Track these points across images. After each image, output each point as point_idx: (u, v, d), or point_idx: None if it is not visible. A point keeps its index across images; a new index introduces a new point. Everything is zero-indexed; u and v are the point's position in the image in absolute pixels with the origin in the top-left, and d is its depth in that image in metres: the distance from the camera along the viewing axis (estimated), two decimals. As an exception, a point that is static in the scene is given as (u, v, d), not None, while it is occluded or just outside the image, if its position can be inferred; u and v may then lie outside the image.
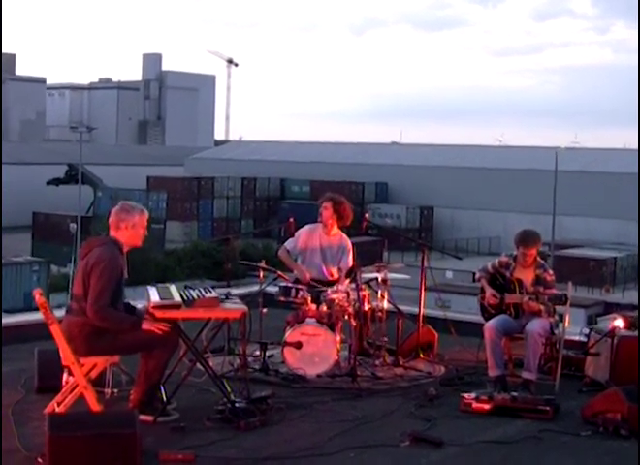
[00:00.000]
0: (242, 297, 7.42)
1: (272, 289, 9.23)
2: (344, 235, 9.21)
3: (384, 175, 71.29)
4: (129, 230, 6.66)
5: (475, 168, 68.32)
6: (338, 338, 8.40)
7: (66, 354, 6.43)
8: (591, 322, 17.98)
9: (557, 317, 8.20)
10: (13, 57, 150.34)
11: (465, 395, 7.29)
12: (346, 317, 8.50)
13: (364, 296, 8.55)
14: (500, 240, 58.07)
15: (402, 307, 9.33)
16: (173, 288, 6.97)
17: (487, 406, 7.15)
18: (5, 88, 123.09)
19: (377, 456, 6.21)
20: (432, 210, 67.77)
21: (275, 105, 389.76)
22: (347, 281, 8.72)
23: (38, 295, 6.45)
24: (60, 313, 6.72)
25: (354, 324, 8.42)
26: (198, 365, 6.97)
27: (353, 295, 8.41)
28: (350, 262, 9.00)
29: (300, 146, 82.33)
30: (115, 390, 7.24)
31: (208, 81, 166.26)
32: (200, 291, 6.86)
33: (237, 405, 6.75)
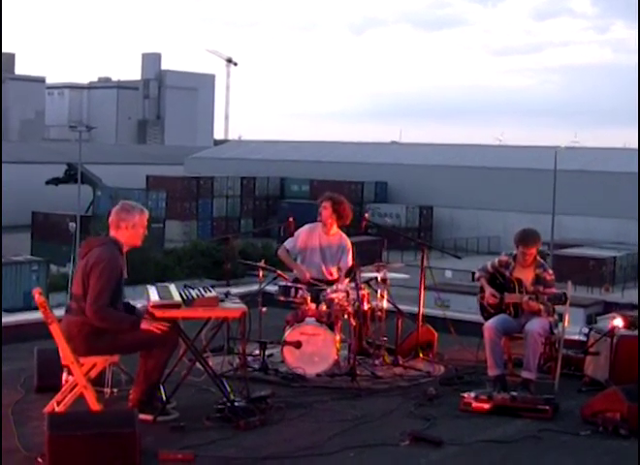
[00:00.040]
0: (242, 297, 7.43)
1: (272, 288, 9.23)
2: (344, 235, 9.21)
3: (384, 175, 71.29)
4: (129, 229, 6.66)
5: (475, 167, 68.34)
6: (338, 337, 8.40)
7: (65, 353, 6.43)
8: (590, 321, 17.98)
9: (556, 316, 8.20)
10: (12, 56, 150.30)
11: (465, 395, 7.29)
12: (346, 316, 8.51)
13: (363, 296, 8.55)
14: (500, 240, 58.09)
15: (402, 306, 9.32)
16: (172, 287, 6.98)
17: (486, 405, 7.15)
18: (4, 88, 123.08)
19: (377, 456, 6.21)
20: (431, 210, 67.77)
21: (275, 104, 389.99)
22: (347, 280, 8.72)
23: (37, 295, 6.45)
24: (60, 312, 6.71)
25: (353, 323, 8.42)
26: (197, 365, 6.97)
27: (352, 295, 8.42)
28: (350, 261, 9.01)
29: (299, 146, 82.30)
30: (115, 390, 7.24)
31: (208, 81, 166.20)
32: (199, 290, 6.87)
33: (236, 404, 6.75)
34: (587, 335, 8.61)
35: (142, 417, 6.24)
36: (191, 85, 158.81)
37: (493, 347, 7.93)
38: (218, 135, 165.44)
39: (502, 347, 8.11)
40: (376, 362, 8.60)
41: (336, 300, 8.45)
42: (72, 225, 45.58)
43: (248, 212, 70.90)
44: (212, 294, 6.80)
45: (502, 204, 63.94)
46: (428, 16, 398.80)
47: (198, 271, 45.24)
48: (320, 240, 9.08)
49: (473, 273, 8.81)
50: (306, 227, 9.23)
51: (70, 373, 6.56)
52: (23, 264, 39.85)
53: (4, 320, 9.57)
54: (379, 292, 8.87)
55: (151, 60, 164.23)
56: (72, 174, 61.15)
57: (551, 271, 8.25)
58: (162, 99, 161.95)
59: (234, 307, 6.83)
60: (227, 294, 6.97)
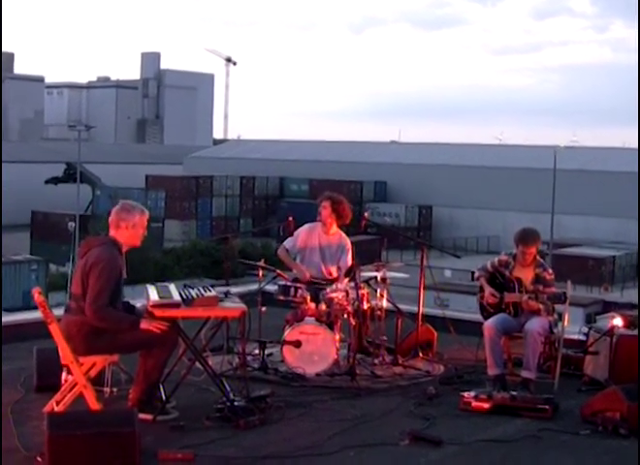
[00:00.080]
0: (242, 296, 7.43)
1: (272, 287, 9.23)
2: (343, 234, 9.21)
3: (383, 174, 71.28)
4: (129, 229, 6.66)
5: (474, 166, 68.34)
6: (338, 337, 8.41)
7: (65, 352, 6.43)
8: (589, 320, 18.00)
9: (556, 316, 8.20)
10: (11, 56, 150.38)
11: (465, 394, 7.29)
12: (345, 316, 8.51)
13: (363, 295, 8.55)
14: (499, 239, 58.07)
15: (402, 306, 9.32)
16: (172, 287, 6.98)
17: (486, 405, 7.15)
18: (3, 87, 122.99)
19: (376, 455, 6.21)
20: (430, 209, 67.75)
21: (274, 103, 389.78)
22: (346, 280, 8.72)
23: (37, 294, 6.44)
24: (59, 312, 6.71)
25: (353, 322, 8.42)
26: (197, 364, 6.97)
27: (352, 294, 8.42)
28: (349, 260, 9.01)
29: (298, 145, 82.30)
30: (115, 389, 7.24)
31: (207, 80, 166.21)
32: (199, 290, 6.87)
33: (236, 404, 6.75)
34: (586, 335, 8.61)
35: (141, 416, 6.24)
36: (190, 85, 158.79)
37: (492, 346, 7.93)
38: (217, 134, 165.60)
39: (502, 346, 8.11)
40: (376, 362, 8.61)
41: (336, 300, 8.46)
42: (71, 224, 45.52)
43: (247, 212, 70.89)
44: (212, 293, 6.81)
45: (502, 204, 63.93)
46: (427, 16, 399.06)
47: (197, 271, 45.22)
48: (320, 240, 9.08)
49: (473, 273, 8.81)
50: (306, 226, 9.24)
51: (69, 372, 6.56)
52: (23, 264, 39.84)
53: (3, 319, 9.56)
54: (379, 291, 8.87)
55: (150, 59, 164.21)
56: (71, 174, 61.11)
57: (550, 271, 8.25)
58: (161, 98, 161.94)
59: (233, 307, 6.83)
60: (226, 294, 6.97)
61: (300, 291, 8.58)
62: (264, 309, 8.78)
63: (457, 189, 66.57)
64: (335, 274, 8.98)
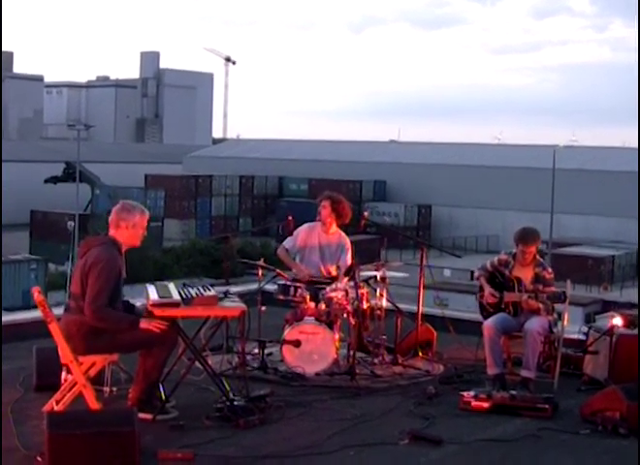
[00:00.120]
0: (241, 296, 7.44)
1: (271, 287, 9.23)
2: (343, 234, 9.22)
3: (382, 173, 71.24)
4: (129, 229, 6.66)
5: (474, 166, 68.32)
6: (337, 336, 8.41)
7: (65, 352, 6.42)
8: (588, 320, 17.99)
9: (555, 315, 8.20)
10: (10, 55, 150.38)
11: (464, 394, 7.30)
12: (345, 315, 8.51)
13: (362, 295, 8.55)
14: (499, 238, 58.03)
15: (401, 305, 9.32)
16: (171, 286, 6.98)
17: (486, 404, 7.15)
18: (3, 86, 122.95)
19: (376, 455, 6.21)
20: (430, 208, 67.71)
21: (274, 103, 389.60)
22: (346, 279, 8.72)
23: (37, 293, 6.45)
24: (58, 311, 6.71)
25: (353, 322, 8.41)
26: (197, 363, 6.97)
27: (352, 294, 8.42)
28: (349, 260, 9.02)
29: (298, 144, 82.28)
30: (114, 389, 7.24)
31: (206, 79, 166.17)
32: (199, 289, 6.87)
33: (235, 403, 6.75)
34: (586, 334, 8.61)
35: (141, 415, 6.24)
36: (189, 84, 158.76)
37: (492, 346, 7.93)
38: (217, 133, 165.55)
39: (502, 346, 8.11)
40: (375, 361, 8.61)
41: (336, 299, 8.46)
42: (70, 223, 45.47)
43: (247, 211, 70.85)
44: (212, 292, 6.81)
45: (501, 203, 63.91)
46: (426, 15, 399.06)
47: (196, 270, 45.16)
48: (319, 239, 9.08)
49: (472, 272, 8.82)
50: (306, 226, 9.24)
51: (69, 372, 6.56)
52: (22, 263, 39.78)
53: (3, 318, 9.56)
54: (378, 290, 8.87)
55: (150, 59, 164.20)
56: (70, 173, 61.06)
57: (550, 270, 8.25)
58: (160, 97, 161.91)
59: (233, 306, 6.84)
60: (226, 293, 6.97)
61: (299, 290, 8.59)
62: (263, 308, 8.78)
63: (456, 188, 66.54)
64: (334, 273, 8.98)
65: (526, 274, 8.18)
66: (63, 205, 55.43)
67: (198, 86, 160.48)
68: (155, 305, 6.55)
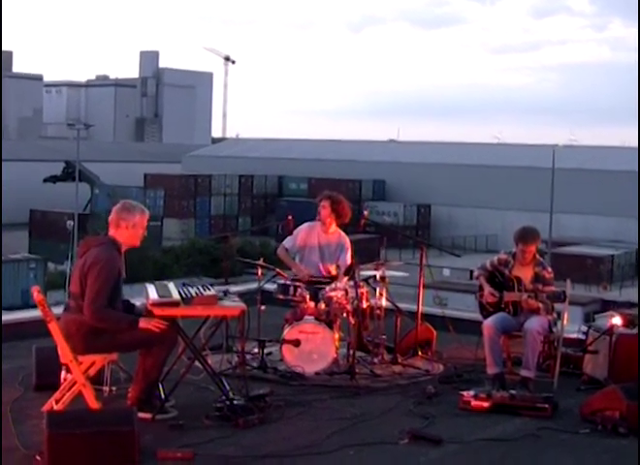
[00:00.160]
0: (241, 295, 7.43)
1: (271, 286, 9.22)
2: (343, 233, 9.22)
3: (382, 173, 71.23)
4: (129, 229, 6.66)
5: (473, 165, 68.30)
6: (337, 336, 8.41)
7: (64, 351, 6.42)
8: (588, 319, 18.00)
9: (555, 314, 8.20)
10: (10, 54, 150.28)
11: (464, 393, 7.30)
12: (345, 314, 8.51)
13: (362, 294, 8.55)
14: (498, 238, 57.99)
15: (401, 305, 9.32)
16: (171, 285, 6.98)
17: (486, 404, 7.15)
18: (2, 85, 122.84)
19: (376, 454, 6.21)
20: (429, 208, 67.69)
21: (273, 102, 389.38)
22: (346, 279, 8.71)
23: (36, 293, 6.45)
24: (57, 310, 6.71)
25: (352, 321, 8.42)
26: (196, 363, 6.97)
27: (351, 293, 8.41)
28: (348, 259, 9.02)
29: (297, 144, 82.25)
30: (114, 388, 7.23)
31: (206, 79, 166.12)
32: (198, 288, 6.86)
33: (235, 403, 6.75)
34: (586, 334, 8.61)
35: (140, 415, 6.24)
36: (189, 83, 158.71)
37: (492, 345, 7.93)
38: (216, 133, 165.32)
39: (501, 345, 8.11)
40: (375, 361, 8.61)
41: (335, 299, 8.45)
42: (69, 223, 45.45)
43: (246, 210, 70.83)
44: (211, 292, 6.80)
45: (500, 203, 63.90)
46: (426, 15, 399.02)
47: (196, 269, 45.14)
48: (319, 239, 9.08)
49: (471, 271, 8.82)
50: (305, 225, 9.24)
51: (69, 371, 6.56)
52: (21, 262, 39.77)
53: (3, 318, 9.55)
54: (378, 290, 8.87)
55: (149, 58, 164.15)
56: (70, 172, 61.00)
57: (550, 269, 8.25)
58: (160, 97, 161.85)
59: (233, 305, 6.83)
60: (226, 293, 6.97)
61: (299, 289, 8.59)
62: (263, 308, 8.77)
63: (455, 188, 66.53)
64: (334, 273, 8.98)
65: (525, 274, 8.17)
66: (62, 205, 55.40)
67: (197, 86, 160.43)
68: (155, 305, 6.54)
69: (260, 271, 9.12)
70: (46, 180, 66.63)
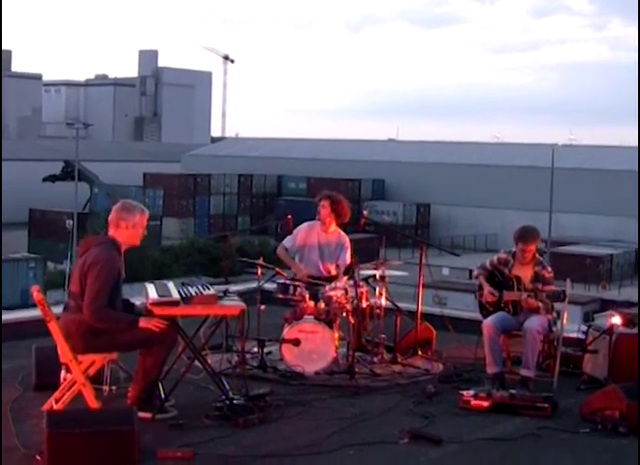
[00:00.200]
0: (240, 294, 7.43)
1: (270, 286, 9.22)
2: (342, 233, 9.22)
3: (381, 172, 71.21)
4: (129, 229, 6.65)
5: (472, 165, 68.28)
6: (336, 335, 8.40)
7: (64, 351, 6.42)
8: (587, 319, 18.02)
9: (555, 314, 8.20)
10: (9, 53, 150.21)
11: (464, 393, 7.29)
12: (344, 314, 8.50)
13: (362, 293, 8.54)
14: (497, 237, 58.00)
15: (400, 304, 9.31)
16: (171, 285, 6.97)
17: (485, 403, 7.14)
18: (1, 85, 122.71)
19: (376, 454, 6.20)
20: (428, 207, 67.69)
21: (272, 101, 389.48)
22: (345, 278, 8.71)
23: (36, 292, 6.44)
24: (57, 310, 6.70)
25: (352, 321, 8.41)
26: (196, 362, 6.96)
27: (351, 292, 8.41)
28: (348, 259, 9.02)
29: (296, 143, 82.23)
30: (114, 387, 7.23)
31: (205, 78, 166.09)
32: (198, 288, 6.86)
33: (235, 402, 6.74)
34: (585, 333, 8.61)
35: (140, 414, 6.23)
36: (188, 82, 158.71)
37: (491, 344, 7.92)
38: (215, 132, 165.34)
39: (501, 344, 8.11)
40: (375, 360, 8.60)
41: (335, 298, 8.45)
42: (69, 222, 45.47)
43: (245, 210, 70.80)
44: (211, 291, 6.80)
45: (500, 202, 63.89)
46: (425, 14, 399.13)
47: (195, 269, 45.13)
48: (319, 238, 9.08)
49: (470, 271, 8.84)
50: (305, 225, 9.24)
51: (68, 371, 6.55)
52: (21, 262, 39.78)
53: (2, 317, 9.54)
54: (378, 289, 8.86)
55: (148, 57, 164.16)
56: (69, 172, 61.00)
57: (550, 269, 8.25)
58: (159, 96, 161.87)
59: (232, 305, 6.83)
60: (225, 292, 6.96)
61: (299, 289, 8.58)
62: (263, 307, 8.77)
63: (455, 187, 66.52)
64: (334, 272, 8.98)
65: (525, 273, 8.17)
66: (62, 204, 55.41)
67: (196, 85, 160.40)
68: (155, 304, 6.54)
69: (259, 271, 9.12)
70: (45, 179, 66.61)
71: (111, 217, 6.70)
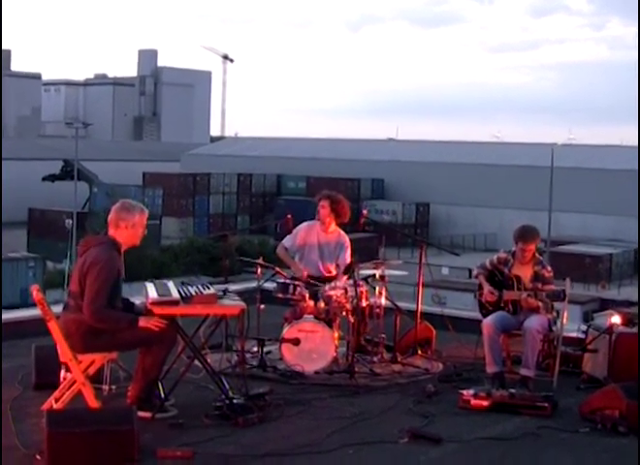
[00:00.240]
0: (240, 294, 7.42)
1: (270, 285, 9.22)
2: (342, 232, 9.22)
3: (380, 172, 71.19)
4: (128, 229, 6.65)
5: (472, 164, 68.27)
6: (336, 335, 8.40)
7: (64, 350, 6.42)
8: (586, 318, 17.99)
9: (555, 313, 8.20)
10: (8, 53, 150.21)
11: (464, 392, 7.29)
12: (344, 313, 8.50)
13: (361, 293, 8.54)
14: (496, 237, 58.01)
15: (400, 303, 9.31)
16: (170, 284, 6.97)
17: (485, 403, 7.14)
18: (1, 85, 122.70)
19: (376, 453, 6.20)
20: (428, 206, 67.69)
21: (272, 101, 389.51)
22: (345, 277, 8.71)
23: (36, 292, 6.43)
24: (56, 309, 6.70)
25: (352, 320, 8.41)
26: (196, 362, 6.96)
27: (351, 292, 8.41)
28: (348, 258, 9.02)
29: (296, 142, 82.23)
30: (113, 387, 7.23)
31: (204, 77, 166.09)
32: (198, 287, 6.86)
33: (235, 401, 6.74)
34: (585, 332, 8.61)
35: (140, 414, 6.23)
36: (187, 82, 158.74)
37: (491, 344, 7.92)
38: (215, 131, 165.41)
39: (501, 344, 8.11)
40: (375, 359, 8.60)
41: (335, 297, 8.45)
42: (68, 221, 45.42)
43: (245, 209, 70.79)
44: (211, 291, 6.80)
45: (499, 202, 63.89)
46: (425, 13, 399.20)
47: (194, 268, 45.11)
48: (318, 238, 9.08)
49: (470, 270, 8.83)
50: (305, 224, 9.24)
51: (68, 370, 6.55)
52: (20, 261, 39.76)
53: (2, 316, 9.54)
54: (377, 289, 8.86)
55: (147, 57, 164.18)
56: (68, 171, 60.97)
57: (549, 268, 8.25)
58: (158, 95, 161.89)
59: (232, 304, 6.83)
60: (225, 292, 6.96)
61: (298, 288, 8.58)
62: (262, 307, 8.77)
63: (454, 186, 66.51)
64: (333, 272, 8.98)
65: (525, 272, 8.17)
66: (61, 203, 55.41)
67: (196, 84, 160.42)
68: (154, 303, 6.54)
69: (259, 270, 9.12)
70: (44, 179, 66.58)
71: (110, 217, 6.69)
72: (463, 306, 14.43)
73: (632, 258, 52.77)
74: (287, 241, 9.20)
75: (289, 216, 9.59)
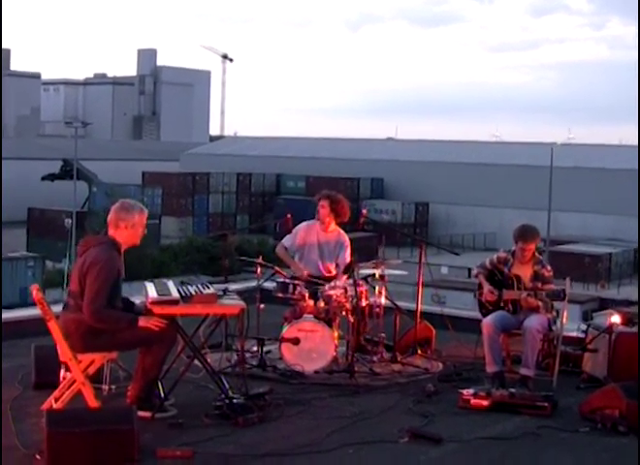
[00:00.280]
0: (240, 293, 7.43)
1: (270, 285, 9.22)
2: (342, 231, 9.22)
3: (380, 171, 71.22)
4: (128, 229, 6.65)
5: (471, 163, 68.30)
6: (336, 334, 8.40)
7: (63, 350, 6.42)
8: (586, 318, 17.99)
9: (554, 313, 8.20)
10: (8, 52, 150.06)
11: (464, 392, 7.30)
12: (344, 313, 8.50)
13: (361, 292, 8.54)
14: (496, 236, 58.05)
15: (400, 303, 9.31)
16: (170, 283, 6.97)
17: (485, 402, 7.14)
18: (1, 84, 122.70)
19: (376, 453, 6.20)
20: (427, 206, 67.71)
21: (271, 100, 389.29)
22: (345, 277, 8.71)
23: (35, 291, 6.43)
24: (56, 308, 6.69)
25: (351, 320, 8.41)
26: (196, 361, 6.96)
27: (351, 291, 8.41)
28: (347, 257, 9.02)
29: (295, 142, 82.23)
30: (113, 387, 7.23)
31: (204, 77, 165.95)
32: (198, 287, 6.86)
33: (234, 401, 6.74)
34: (585, 332, 8.61)
35: (140, 413, 6.23)
36: (187, 81, 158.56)
37: (491, 343, 7.92)
38: (214, 131, 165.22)
39: (501, 343, 8.11)
40: (374, 359, 8.60)
41: (334, 297, 8.45)
42: (68, 221, 45.46)
43: (244, 208, 70.80)
44: (211, 290, 6.80)
45: (498, 201, 63.91)
46: (424, 13, 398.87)
47: (194, 267, 45.12)
48: (318, 237, 9.09)
49: (469, 270, 8.82)
50: (304, 224, 9.24)
51: (68, 370, 6.55)
52: (19, 261, 39.76)
53: (2, 316, 9.54)
54: (377, 288, 8.86)
55: (147, 56, 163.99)
56: (68, 170, 60.97)
57: (549, 268, 8.25)
58: (157, 95, 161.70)
59: (232, 304, 6.83)
60: (225, 291, 6.97)
61: (298, 288, 8.58)
62: (262, 306, 8.77)
63: (453, 186, 66.52)
64: (333, 271, 8.98)
65: (525, 272, 8.17)
66: (60, 203, 55.44)
67: (195, 84, 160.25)
68: (154, 303, 6.54)
69: (259, 270, 9.12)
70: (44, 178, 66.55)
71: (110, 218, 6.69)
72: (462, 306, 14.43)
73: (632, 257, 52.79)
74: (287, 241, 9.20)
75: (288, 216, 9.59)
